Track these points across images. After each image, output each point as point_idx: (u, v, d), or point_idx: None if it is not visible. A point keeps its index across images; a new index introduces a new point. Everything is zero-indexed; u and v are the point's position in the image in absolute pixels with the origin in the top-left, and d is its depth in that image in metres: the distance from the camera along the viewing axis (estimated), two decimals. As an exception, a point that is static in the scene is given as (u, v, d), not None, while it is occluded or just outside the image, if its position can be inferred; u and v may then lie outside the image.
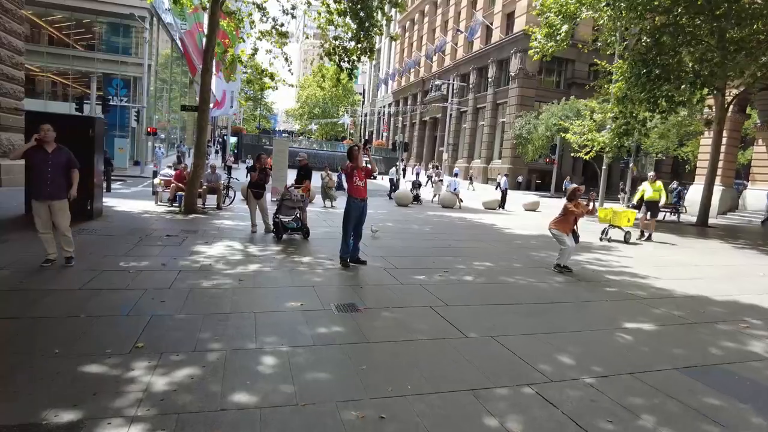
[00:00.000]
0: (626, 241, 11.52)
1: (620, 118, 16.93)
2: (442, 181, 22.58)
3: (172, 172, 14.62)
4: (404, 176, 37.11)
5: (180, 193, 13.26)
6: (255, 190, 9.77)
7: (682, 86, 14.81)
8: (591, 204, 8.12)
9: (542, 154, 35.56)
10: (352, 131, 78.35)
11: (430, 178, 35.33)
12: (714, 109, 17.57)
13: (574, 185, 8.07)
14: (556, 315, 5.34)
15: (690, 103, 16.38)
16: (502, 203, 21.02)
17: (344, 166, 7.12)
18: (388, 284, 6.19)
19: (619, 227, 11.78)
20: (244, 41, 16.94)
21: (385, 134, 68.27)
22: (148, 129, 29.04)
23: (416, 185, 21.27)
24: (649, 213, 12.60)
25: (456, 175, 34.23)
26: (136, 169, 27.98)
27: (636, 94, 15.26)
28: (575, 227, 7.77)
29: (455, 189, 20.00)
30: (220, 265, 6.71)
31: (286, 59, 16.19)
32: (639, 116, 16.98)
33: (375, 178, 7.51)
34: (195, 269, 6.41)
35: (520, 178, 37.86)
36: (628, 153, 25.00)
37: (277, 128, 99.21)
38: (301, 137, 76.86)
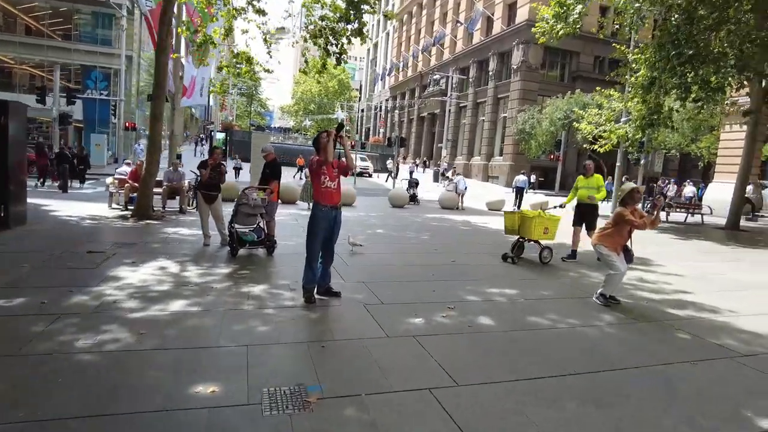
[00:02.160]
0: (542, 261, 7.75)
1: (644, 109, 14.92)
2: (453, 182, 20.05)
3: (129, 170, 12.59)
4: (396, 175, 35.19)
5: (135, 194, 11.26)
6: (206, 193, 7.73)
7: (722, 69, 12.78)
8: (655, 212, 5.68)
9: (546, 150, 33.59)
10: (348, 127, 76.28)
11: (443, 175, 33.32)
12: (750, 99, 15.55)
13: (631, 184, 5.83)
14: (637, 400, 3.32)
15: (730, 88, 14.35)
16: (518, 203, 19.23)
17: (310, 160, 5.11)
18: (366, 337, 4.17)
19: (533, 241, 7.82)
20: (217, 20, 14.87)
21: (381, 130, 66.25)
22: (126, 124, 26.97)
23: (413, 184, 19.24)
24: (582, 221, 8.42)
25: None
26: (115, 167, 25.94)
27: (668, 79, 13.21)
28: (629, 243, 5.66)
29: (461, 188, 17.98)
30: (130, 303, 4.69)
31: (265, 40, 14.14)
32: (666, 106, 14.99)
33: (351, 175, 5.30)
34: (87, 311, 4.39)
35: (533, 177, 35.45)
36: (640, 148, 23.05)
37: (272, 125, 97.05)
38: (296, 134, 74.84)
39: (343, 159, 5.09)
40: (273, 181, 7.72)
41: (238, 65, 14.61)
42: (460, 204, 17.72)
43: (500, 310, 5.16)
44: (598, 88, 20.60)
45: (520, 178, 21.22)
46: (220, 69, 14.80)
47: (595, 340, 4.44)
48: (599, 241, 5.59)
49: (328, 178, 4.93)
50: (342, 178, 5.13)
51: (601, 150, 18.57)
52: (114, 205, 11.97)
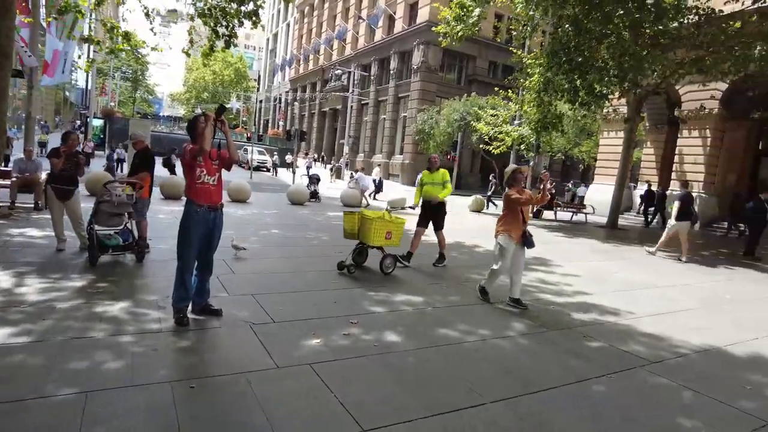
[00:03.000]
0: (384, 272, 6.58)
1: (538, 112, 15.57)
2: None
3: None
4: (293, 170, 34.06)
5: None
6: (58, 187, 6.33)
7: (605, 78, 13.62)
8: (542, 187, 5.58)
9: (443, 150, 34.51)
10: (245, 118, 72.89)
11: (338, 169, 32.70)
12: (627, 107, 16.84)
13: (514, 166, 5.83)
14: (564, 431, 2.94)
15: (613, 95, 15.41)
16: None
17: (183, 149, 4.16)
18: (250, 369, 3.38)
19: (373, 246, 6.72)
20: (86, -14, 12.82)
21: (281, 123, 64.10)
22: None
23: (314, 180, 18.40)
24: (427, 221, 7.75)
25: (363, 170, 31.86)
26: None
27: (559, 83, 13.83)
28: (526, 227, 5.49)
29: (365, 185, 17.51)
30: None
31: (147, 14, 12.49)
32: (558, 110, 15.76)
33: (248, 168, 4.39)
34: None
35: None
36: (537, 149, 24.33)
37: (161, 113, 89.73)
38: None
39: (225, 150, 4.23)
40: (143, 173, 6.54)
41: (112, 41, 12.73)
42: (364, 202, 17.26)
43: (408, 323, 4.64)
44: (497, 89, 21.23)
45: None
46: (84, 41, 12.77)
47: (509, 355, 4.07)
48: (498, 230, 5.51)
49: (205, 172, 4.05)
50: (225, 172, 4.27)
51: (496, 151, 19.19)
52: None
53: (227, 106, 64.23)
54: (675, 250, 10.83)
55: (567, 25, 14.42)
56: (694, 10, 14.05)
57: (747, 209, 12.10)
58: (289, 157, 36.02)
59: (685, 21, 14.17)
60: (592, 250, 11.23)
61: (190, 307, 4.22)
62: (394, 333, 4.33)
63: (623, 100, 17.59)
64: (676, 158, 21.32)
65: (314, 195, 17.58)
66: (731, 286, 8.07)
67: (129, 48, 12.61)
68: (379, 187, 23.88)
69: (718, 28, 13.68)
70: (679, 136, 21.29)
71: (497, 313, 5.25)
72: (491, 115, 20.54)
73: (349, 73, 43.07)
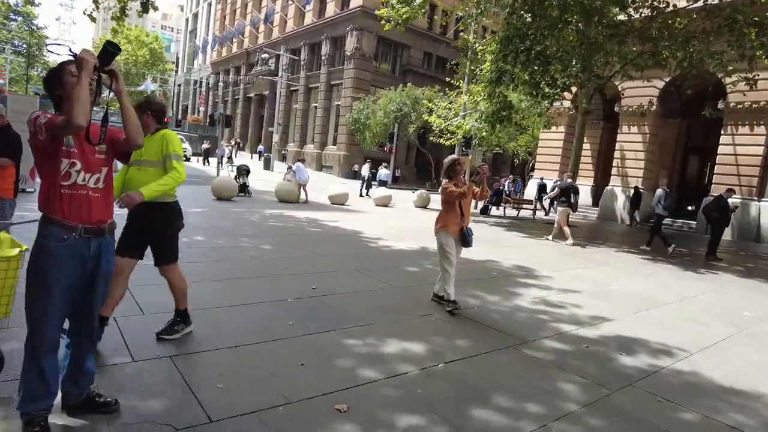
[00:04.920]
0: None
1: (491, 105, 14.48)
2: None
3: None
4: (207, 160, 31.36)
5: None
6: None
7: (568, 69, 12.74)
8: (479, 180, 5.11)
9: (380, 142, 33.14)
10: (155, 89, 67.08)
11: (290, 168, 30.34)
12: (583, 100, 16.20)
13: (453, 156, 5.37)
14: None
15: (578, 87, 14.64)
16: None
17: (32, 120, 2.22)
18: None
19: None
20: None
21: (202, 109, 59.65)
22: None
23: (243, 171, 16.19)
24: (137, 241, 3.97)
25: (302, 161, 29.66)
26: None
27: (519, 73, 12.74)
28: (465, 223, 5.09)
29: (301, 178, 15.58)
30: None
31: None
32: (507, 100, 14.76)
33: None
34: None
35: (357, 167, 34.80)
36: (466, 144, 23.53)
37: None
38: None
39: (116, 127, 2.39)
40: (5, 161, 4.42)
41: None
42: (301, 197, 15.37)
43: (422, 400, 3.02)
44: (444, 89, 20.12)
45: (383, 172, 20.03)
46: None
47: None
48: (438, 226, 5.10)
49: (80, 166, 2.20)
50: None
51: (447, 143, 18.04)
52: None
53: (146, 89, 58.90)
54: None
55: (522, 11, 13.38)
56: (647, 3, 13.55)
57: (710, 209, 11.71)
58: (205, 145, 32.84)
59: (639, 14, 13.68)
60: (563, 253, 10.22)
61: (59, 402, 2.35)
62: (408, 415, 2.72)
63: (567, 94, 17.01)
64: (617, 154, 21.33)
65: (243, 188, 15.44)
66: (734, 298, 7.24)
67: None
68: (369, 184, 22.22)
69: (664, 23, 13.29)
70: (619, 132, 21.29)
71: (531, 365, 3.80)
72: (445, 108, 19.30)
73: (278, 57, 40.31)
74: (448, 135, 18.02)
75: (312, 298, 4.91)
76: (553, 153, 24.16)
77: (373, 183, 20.41)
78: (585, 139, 24.73)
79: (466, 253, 8.44)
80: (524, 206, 19.68)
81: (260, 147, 43.89)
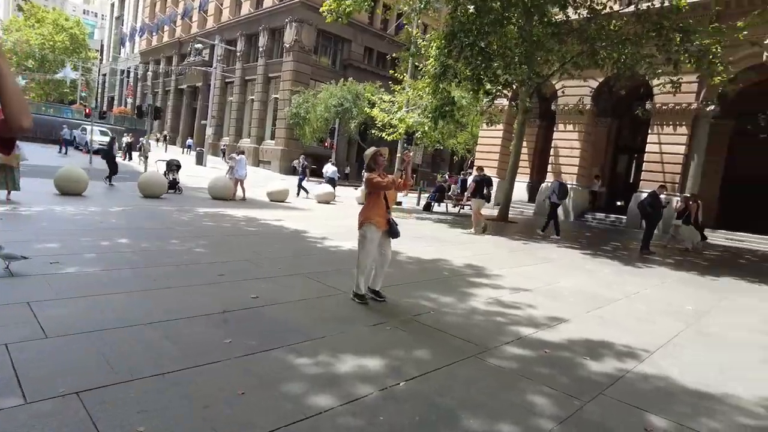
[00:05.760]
0: None
1: (435, 99, 14.31)
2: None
3: None
4: (129, 153, 29.25)
5: None
6: None
7: (511, 66, 12.77)
8: (404, 172, 5.11)
9: (320, 137, 32.43)
10: (84, 93, 62.47)
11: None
12: (521, 100, 16.40)
13: (374, 148, 5.07)
14: None
15: (519, 85, 14.72)
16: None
17: None
18: None
19: None
20: None
21: (129, 100, 56.05)
22: None
23: (173, 167, 15.09)
24: None
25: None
26: None
27: (462, 70, 12.63)
28: (390, 214, 5.00)
29: (240, 173, 14.70)
30: None
31: None
32: (451, 96, 14.67)
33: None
34: None
35: (295, 162, 33.85)
36: (408, 139, 23.43)
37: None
38: None
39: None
40: None
41: None
42: (238, 194, 14.52)
43: (386, 426, 2.63)
44: (395, 72, 19.64)
45: (330, 168, 19.41)
46: None
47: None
48: (362, 219, 4.93)
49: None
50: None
51: (390, 138, 17.78)
52: None
53: (64, 77, 54.38)
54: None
55: (468, 6, 13.31)
56: (586, 3, 13.89)
57: (644, 205, 12.16)
58: (126, 139, 30.55)
59: (578, 15, 14.01)
60: (510, 250, 10.20)
61: None
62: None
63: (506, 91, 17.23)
64: (552, 151, 21.96)
65: (174, 185, 14.41)
66: (673, 292, 7.41)
67: None
68: (300, 180, 21.30)
69: (601, 25, 13.69)
70: (555, 130, 21.93)
71: (497, 377, 3.51)
72: (388, 102, 18.95)
73: (212, 47, 38.45)
74: (391, 129, 17.73)
75: (252, 310, 4.38)
76: (492, 150, 24.55)
77: (305, 179, 19.28)
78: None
79: (416, 252, 8.24)
80: (466, 203, 19.79)
81: (189, 140, 41.76)
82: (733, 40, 12.52)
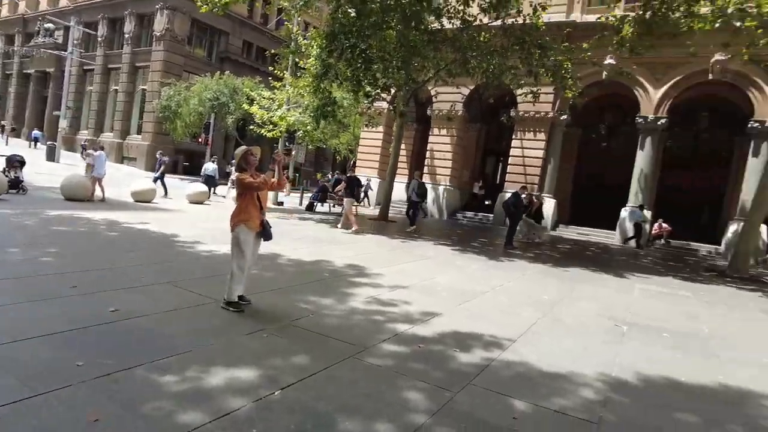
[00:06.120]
0: None
1: (316, 99, 14.23)
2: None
3: None
4: None
5: None
6: None
7: (389, 69, 13.14)
8: (276, 171, 5.06)
9: (193, 132, 30.54)
10: None
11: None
12: (397, 104, 16.95)
13: (245, 147, 4.99)
14: None
15: (397, 89, 15.12)
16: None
17: None
18: None
19: None
20: None
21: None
22: None
23: (14, 163, 13.13)
24: None
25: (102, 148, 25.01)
26: None
27: (342, 70, 12.72)
28: (264, 216, 4.94)
29: (99, 170, 13.20)
30: None
31: None
32: (332, 96, 14.71)
33: None
34: None
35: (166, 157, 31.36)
36: (290, 138, 23.10)
37: None
38: None
39: None
40: None
41: None
42: (96, 194, 13.05)
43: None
44: (274, 69, 18.99)
45: (210, 166, 18.41)
46: None
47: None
48: (235, 221, 4.78)
49: None
50: None
51: (270, 135, 17.29)
52: None
53: None
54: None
55: (347, 7, 13.44)
56: (459, 15, 14.78)
57: (508, 204, 13.30)
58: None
59: (452, 25, 14.87)
60: (390, 248, 10.51)
61: None
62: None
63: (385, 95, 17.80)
64: (428, 153, 23.05)
65: (16, 185, 12.58)
66: (532, 284, 8.21)
67: None
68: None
69: (472, 36, 14.73)
70: (430, 134, 23.06)
71: (374, 376, 3.57)
72: (267, 98, 18.33)
73: (66, 29, 34.12)
74: (271, 127, 17.28)
75: (111, 325, 3.96)
76: (373, 151, 25.11)
77: (163, 177, 17.71)
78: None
79: (297, 254, 8.10)
80: (340, 202, 19.92)
81: (35, 132, 36.65)
82: (581, 58, 14.23)
